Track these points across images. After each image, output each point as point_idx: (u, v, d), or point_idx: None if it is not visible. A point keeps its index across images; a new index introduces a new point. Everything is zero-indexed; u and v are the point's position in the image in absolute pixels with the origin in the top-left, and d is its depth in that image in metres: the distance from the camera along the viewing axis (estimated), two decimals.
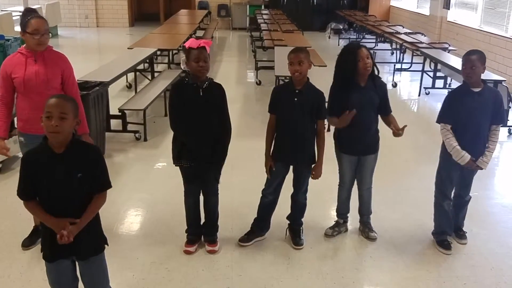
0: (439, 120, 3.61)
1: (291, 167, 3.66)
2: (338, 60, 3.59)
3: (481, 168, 3.56)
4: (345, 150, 3.71)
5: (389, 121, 3.65)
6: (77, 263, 2.56)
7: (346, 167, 3.77)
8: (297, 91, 3.46)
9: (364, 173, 3.77)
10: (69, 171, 2.35)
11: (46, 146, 2.35)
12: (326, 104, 3.62)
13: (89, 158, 2.42)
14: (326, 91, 3.62)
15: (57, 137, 2.30)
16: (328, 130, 5.89)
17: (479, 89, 3.49)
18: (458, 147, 3.49)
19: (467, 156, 3.48)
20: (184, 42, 9.70)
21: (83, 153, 2.41)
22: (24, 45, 3.42)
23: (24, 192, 2.39)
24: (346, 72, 3.52)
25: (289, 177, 3.70)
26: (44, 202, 2.38)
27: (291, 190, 3.73)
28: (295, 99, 3.45)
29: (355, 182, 3.87)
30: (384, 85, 3.69)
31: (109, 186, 2.49)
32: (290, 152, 3.55)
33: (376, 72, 3.61)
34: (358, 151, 3.69)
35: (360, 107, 3.52)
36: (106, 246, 2.61)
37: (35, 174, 2.35)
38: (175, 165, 3.48)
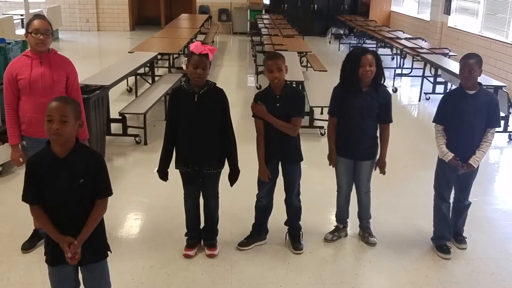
0: (433, 120, 3.72)
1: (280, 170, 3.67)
2: (343, 62, 3.66)
3: (473, 167, 3.57)
4: (341, 152, 3.72)
5: (382, 138, 3.68)
6: (79, 268, 2.55)
7: (341, 170, 3.78)
8: (277, 96, 3.49)
9: (361, 178, 3.78)
10: (71, 176, 2.35)
11: (49, 150, 2.35)
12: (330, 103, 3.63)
13: (92, 164, 2.41)
14: (325, 95, 3.63)
15: (59, 140, 2.31)
16: (323, 134, 5.91)
17: (474, 91, 3.53)
18: (443, 146, 3.62)
19: (449, 155, 3.57)
20: (186, 46, 9.74)
21: (86, 159, 2.41)
22: (30, 48, 3.44)
23: (28, 196, 2.39)
24: (346, 76, 3.58)
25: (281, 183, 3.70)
26: (47, 207, 2.38)
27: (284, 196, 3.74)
28: (277, 104, 3.48)
29: (353, 187, 3.88)
30: (387, 93, 3.70)
31: (110, 193, 2.49)
32: (277, 152, 3.58)
33: (382, 80, 3.62)
34: (354, 155, 3.70)
35: (357, 111, 3.58)
36: (109, 253, 2.60)
37: (38, 177, 2.35)
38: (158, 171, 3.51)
